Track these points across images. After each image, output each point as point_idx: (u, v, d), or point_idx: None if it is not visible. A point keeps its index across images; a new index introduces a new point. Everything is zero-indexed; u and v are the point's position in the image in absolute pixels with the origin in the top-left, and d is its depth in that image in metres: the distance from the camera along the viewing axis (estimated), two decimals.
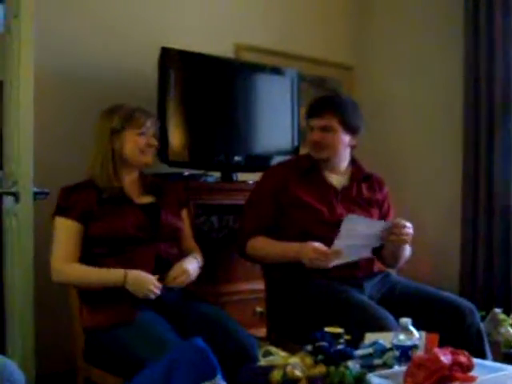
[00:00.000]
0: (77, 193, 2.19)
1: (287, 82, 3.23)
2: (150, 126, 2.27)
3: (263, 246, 2.37)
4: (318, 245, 2.20)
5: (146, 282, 2.06)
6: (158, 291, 2.07)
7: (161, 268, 2.15)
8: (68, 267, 2.13)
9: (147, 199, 2.29)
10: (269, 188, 2.42)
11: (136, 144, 2.24)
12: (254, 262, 2.51)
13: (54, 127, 2.81)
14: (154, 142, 2.29)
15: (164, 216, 2.25)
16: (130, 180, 2.29)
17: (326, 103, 2.43)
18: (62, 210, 2.18)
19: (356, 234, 2.22)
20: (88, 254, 2.16)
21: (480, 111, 3.41)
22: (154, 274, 2.11)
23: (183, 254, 2.29)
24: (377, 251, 2.42)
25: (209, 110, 2.96)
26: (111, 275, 2.09)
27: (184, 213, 2.39)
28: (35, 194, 2.36)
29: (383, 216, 2.52)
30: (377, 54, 4.01)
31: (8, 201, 2.53)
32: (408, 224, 2.28)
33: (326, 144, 2.41)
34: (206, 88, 2.95)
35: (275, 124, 3.17)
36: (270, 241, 2.36)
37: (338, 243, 2.18)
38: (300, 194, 2.38)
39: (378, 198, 2.53)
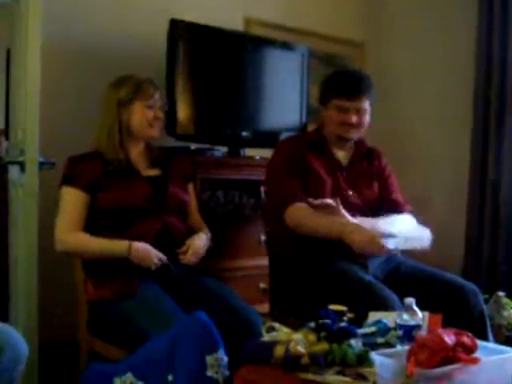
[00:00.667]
0: (83, 163, 2.18)
1: (297, 58, 3.20)
2: (158, 98, 2.25)
3: (304, 215, 2.26)
4: (378, 239, 2.11)
5: (150, 255, 2.06)
6: (159, 264, 2.07)
7: (167, 241, 2.15)
8: (72, 236, 2.12)
9: (154, 172, 2.28)
10: (288, 157, 2.39)
11: (144, 116, 2.22)
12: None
13: (61, 97, 2.79)
14: (161, 115, 2.27)
15: (171, 189, 2.24)
16: (136, 152, 2.27)
17: (362, 85, 2.37)
18: (68, 180, 2.17)
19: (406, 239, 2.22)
20: (94, 226, 2.15)
21: (491, 90, 3.37)
22: (159, 246, 2.10)
23: (189, 229, 2.28)
24: None
25: (217, 84, 2.93)
26: (115, 246, 2.08)
27: (190, 187, 2.38)
28: (41, 163, 2.35)
29: (383, 184, 2.52)
30: (387, 30, 3.97)
31: (14, 171, 2.52)
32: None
33: (361, 125, 2.40)
34: (215, 61, 2.92)
35: (284, 100, 3.14)
36: (312, 212, 2.25)
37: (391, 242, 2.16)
38: (314, 165, 2.37)
39: (377, 169, 2.54)
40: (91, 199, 2.15)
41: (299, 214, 2.27)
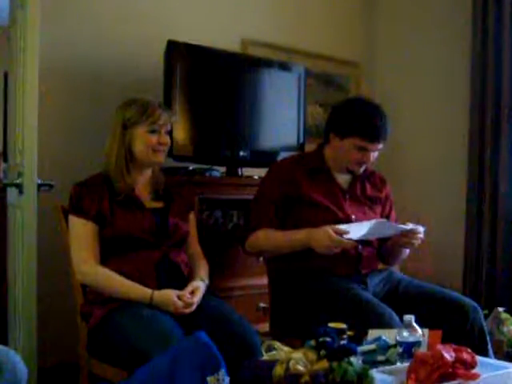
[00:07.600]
0: (90, 192, 2.13)
1: (294, 78, 3.21)
2: (164, 123, 2.17)
3: (269, 235, 2.33)
4: (332, 233, 2.16)
5: (169, 302, 2.02)
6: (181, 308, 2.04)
7: (169, 273, 2.13)
8: (94, 271, 2.08)
9: (158, 204, 2.22)
10: (276, 187, 2.38)
11: (146, 141, 2.14)
12: (255, 255, 2.52)
13: (59, 119, 2.81)
14: (166, 140, 2.19)
15: (172, 221, 2.19)
16: (143, 181, 2.22)
17: (386, 129, 2.34)
18: (76, 210, 2.12)
19: (376, 233, 2.25)
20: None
21: (486, 109, 3.40)
22: (161, 278, 2.10)
23: (188, 258, 2.26)
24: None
25: (215, 105, 2.95)
26: (138, 291, 2.05)
27: (191, 217, 2.33)
28: (39, 186, 2.36)
29: (385, 215, 2.52)
30: (384, 50, 4.00)
31: (12, 193, 2.53)
32: (422, 231, 2.28)
33: (371, 161, 2.40)
34: (213, 82, 2.94)
35: (281, 120, 3.16)
36: (275, 231, 2.33)
37: (355, 235, 2.18)
38: (310, 193, 2.35)
39: (381, 196, 2.54)
40: (99, 229, 2.11)
41: (262, 238, 2.34)
